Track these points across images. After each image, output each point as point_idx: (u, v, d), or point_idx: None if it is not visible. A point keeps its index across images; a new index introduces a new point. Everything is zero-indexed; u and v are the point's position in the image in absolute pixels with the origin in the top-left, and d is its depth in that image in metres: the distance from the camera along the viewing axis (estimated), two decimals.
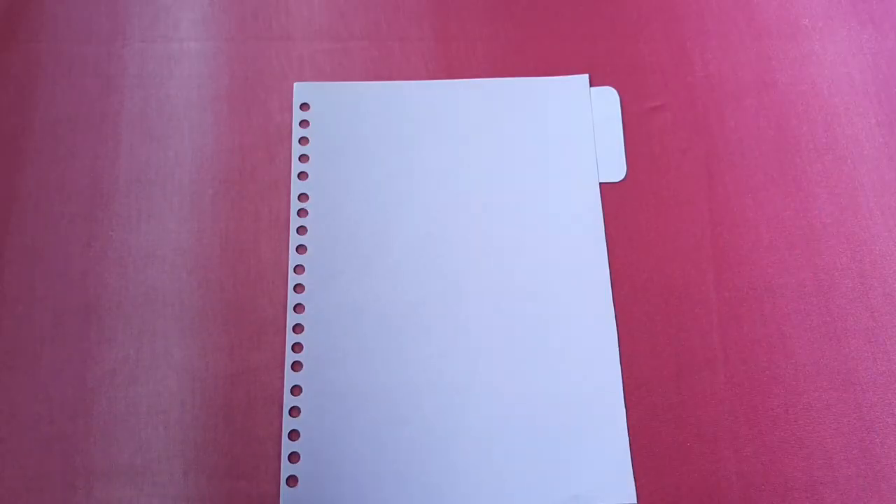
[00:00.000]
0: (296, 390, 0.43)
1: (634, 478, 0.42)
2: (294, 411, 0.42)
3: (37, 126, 0.48)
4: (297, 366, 0.43)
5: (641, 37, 0.52)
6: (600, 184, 0.48)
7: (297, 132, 0.48)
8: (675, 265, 0.47)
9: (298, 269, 0.45)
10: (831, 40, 0.52)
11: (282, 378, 0.43)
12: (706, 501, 0.42)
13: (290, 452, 0.42)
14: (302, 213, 0.46)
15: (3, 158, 0.47)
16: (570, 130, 0.49)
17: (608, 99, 0.50)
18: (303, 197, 0.47)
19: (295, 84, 0.49)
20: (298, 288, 0.45)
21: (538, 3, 0.52)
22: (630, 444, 0.43)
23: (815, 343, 0.45)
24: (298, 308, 0.44)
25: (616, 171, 0.49)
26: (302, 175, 0.47)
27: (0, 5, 0.50)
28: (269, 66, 0.50)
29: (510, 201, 0.47)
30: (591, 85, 0.50)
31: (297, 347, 0.44)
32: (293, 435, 0.42)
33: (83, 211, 0.46)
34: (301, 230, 0.46)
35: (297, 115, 0.49)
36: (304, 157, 0.48)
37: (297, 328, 0.44)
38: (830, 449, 0.43)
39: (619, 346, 0.45)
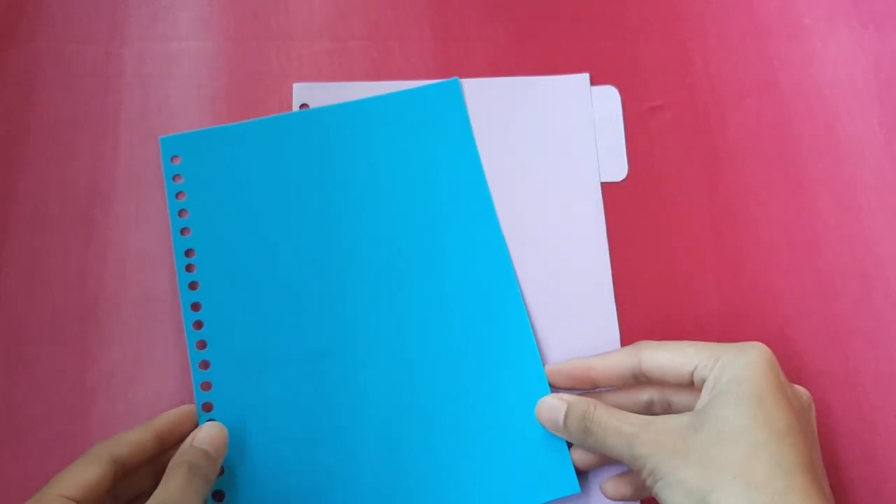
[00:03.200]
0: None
1: None
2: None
3: (35, 126, 0.47)
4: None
5: (642, 36, 0.52)
6: (601, 183, 0.48)
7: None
8: (675, 265, 0.47)
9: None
10: (833, 40, 0.52)
11: None
12: None
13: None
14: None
15: (1, 158, 0.47)
16: (571, 130, 0.49)
17: (609, 98, 0.50)
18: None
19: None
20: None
21: (538, 3, 0.52)
22: None
23: (816, 344, 0.45)
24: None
25: (617, 170, 0.48)
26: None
27: None
28: (268, 66, 0.50)
29: (509, 203, 0.47)
30: (592, 84, 0.50)
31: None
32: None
33: (82, 211, 0.46)
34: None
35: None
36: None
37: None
38: (832, 451, 0.43)
39: (621, 346, 0.44)
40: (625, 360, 0.39)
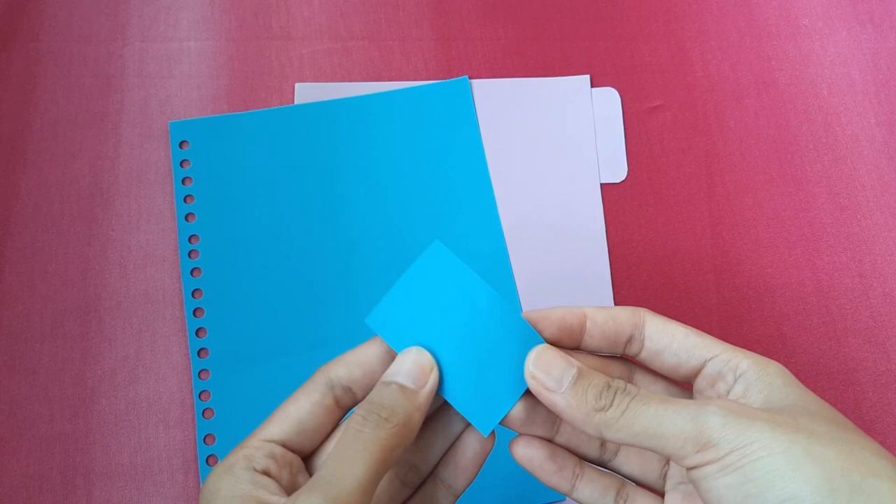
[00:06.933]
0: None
1: None
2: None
3: (37, 125, 0.48)
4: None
5: (641, 37, 0.52)
6: (601, 185, 0.48)
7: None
8: (675, 265, 0.47)
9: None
10: (831, 40, 0.52)
11: None
12: None
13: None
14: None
15: (3, 158, 0.47)
16: (571, 131, 0.49)
17: (609, 100, 0.50)
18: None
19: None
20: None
21: (538, 3, 0.52)
22: None
23: (814, 343, 0.45)
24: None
25: (617, 172, 0.49)
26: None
27: (0, 5, 0.50)
28: (269, 66, 0.50)
29: (510, 203, 0.47)
30: (592, 85, 0.50)
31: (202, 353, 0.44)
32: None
33: (83, 210, 0.46)
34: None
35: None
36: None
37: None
38: None
39: None
40: (627, 317, 0.30)
